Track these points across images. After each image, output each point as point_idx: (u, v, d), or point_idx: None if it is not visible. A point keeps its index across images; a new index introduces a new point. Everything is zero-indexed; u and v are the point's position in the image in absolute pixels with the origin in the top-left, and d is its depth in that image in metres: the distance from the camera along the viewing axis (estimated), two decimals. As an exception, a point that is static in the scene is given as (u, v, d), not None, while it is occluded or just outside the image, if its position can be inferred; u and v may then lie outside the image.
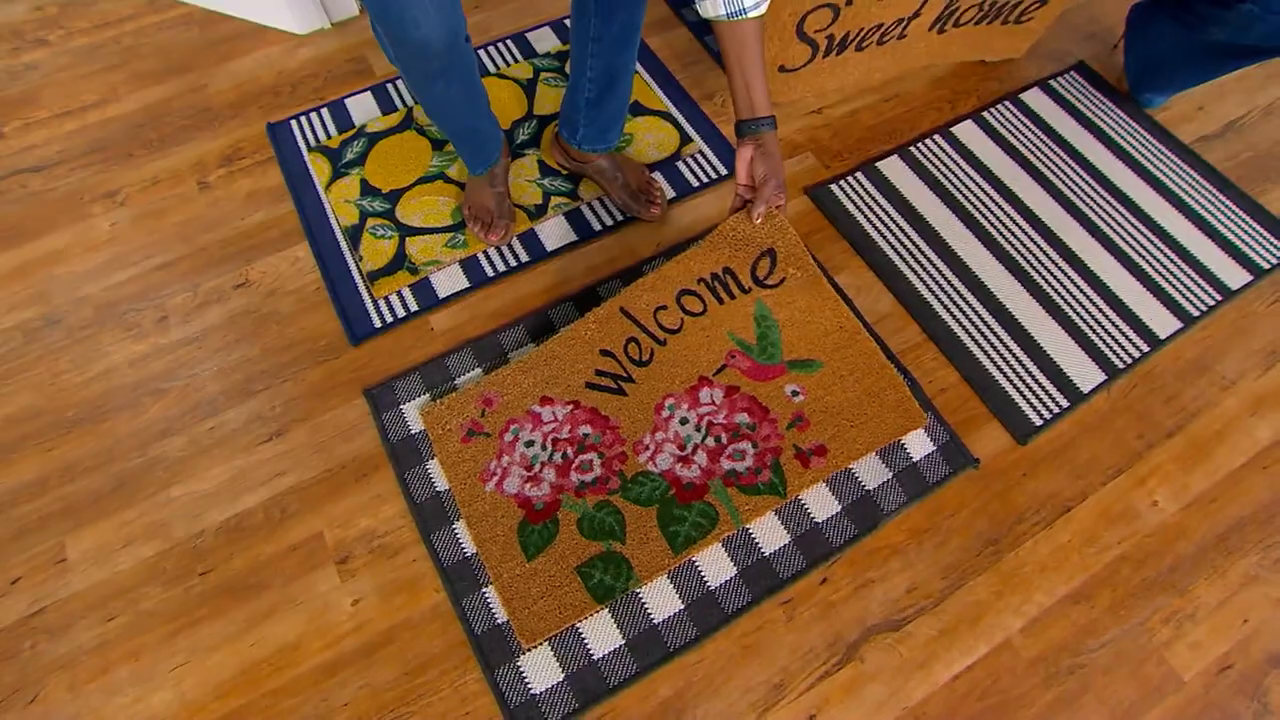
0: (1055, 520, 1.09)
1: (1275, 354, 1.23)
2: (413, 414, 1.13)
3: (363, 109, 1.46)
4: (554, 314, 1.23)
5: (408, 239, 1.29)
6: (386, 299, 1.24)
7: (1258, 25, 1.19)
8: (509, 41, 1.55)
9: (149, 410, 1.16)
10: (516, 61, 1.52)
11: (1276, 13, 1.15)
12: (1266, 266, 1.30)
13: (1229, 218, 1.36)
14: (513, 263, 1.28)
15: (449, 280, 1.26)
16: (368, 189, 1.34)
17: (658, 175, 1.37)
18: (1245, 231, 1.35)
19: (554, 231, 1.32)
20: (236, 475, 1.10)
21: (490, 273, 1.27)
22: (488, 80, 1.48)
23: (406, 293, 1.24)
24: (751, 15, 0.92)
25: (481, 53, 1.53)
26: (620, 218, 1.33)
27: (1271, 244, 1.33)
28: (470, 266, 1.28)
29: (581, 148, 1.28)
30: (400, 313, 1.23)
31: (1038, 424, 1.15)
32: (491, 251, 1.29)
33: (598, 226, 1.32)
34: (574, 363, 1.16)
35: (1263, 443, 1.16)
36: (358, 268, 1.27)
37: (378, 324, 1.21)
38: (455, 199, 1.33)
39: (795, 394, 1.13)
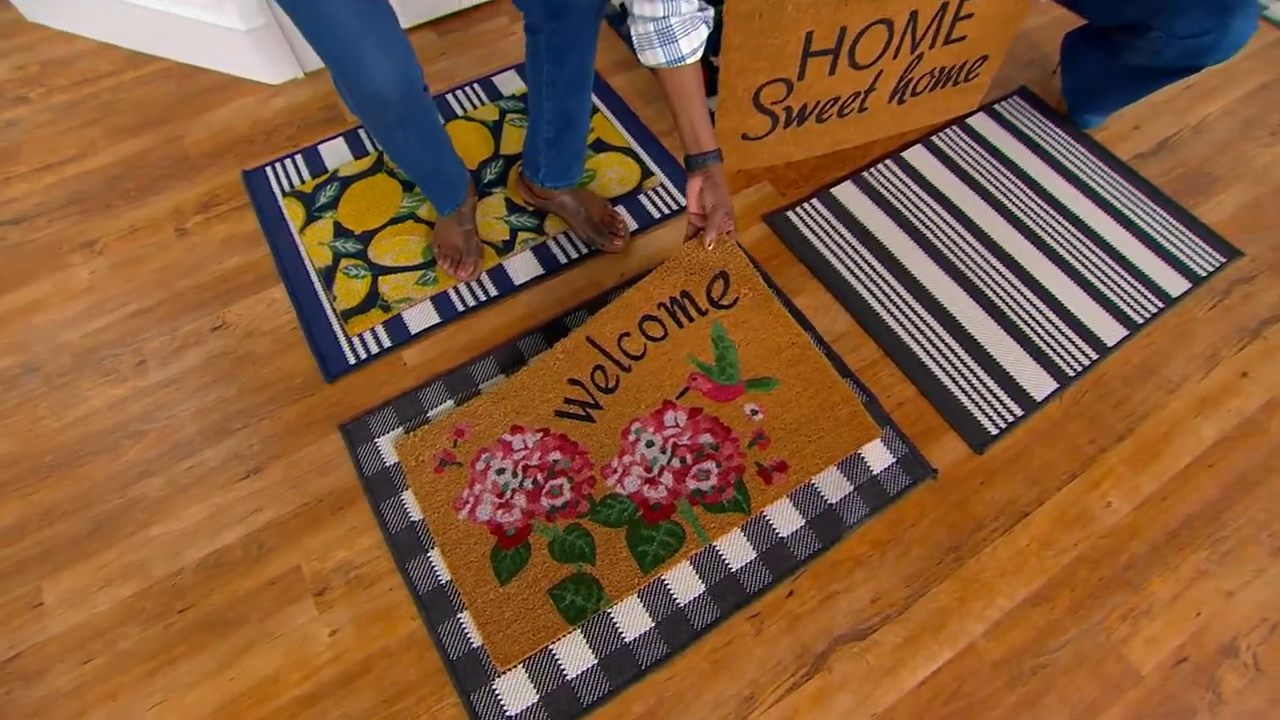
0: (1013, 526, 1.14)
1: (1215, 357, 1.30)
2: (387, 447, 1.18)
3: (335, 154, 1.53)
4: (523, 345, 1.28)
5: (380, 278, 1.34)
6: (360, 337, 1.29)
7: (1167, 50, 1.29)
8: (475, 85, 1.63)
9: (127, 452, 1.20)
10: (483, 104, 1.60)
11: (1180, 38, 1.25)
12: (1203, 274, 1.38)
13: (1166, 229, 1.44)
14: (482, 297, 1.34)
15: (420, 316, 1.31)
16: (341, 231, 1.40)
17: (620, 208, 1.44)
18: (1182, 242, 1.43)
19: (521, 266, 1.38)
20: (215, 513, 1.14)
21: (460, 308, 1.32)
22: (455, 123, 1.56)
23: (379, 330, 1.30)
24: (689, 62, 1.01)
25: (449, 97, 1.61)
26: (585, 250, 1.39)
27: (1207, 253, 1.41)
28: (441, 302, 1.33)
29: (545, 185, 1.35)
30: (374, 349, 1.28)
31: (994, 433, 1.20)
32: (461, 287, 1.35)
33: (563, 260, 1.38)
34: (543, 392, 1.21)
35: (1208, 442, 1.22)
36: (332, 307, 1.32)
37: (352, 361, 1.26)
38: (425, 238, 1.39)
39: (754, 413, 1.19)
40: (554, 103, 1.19)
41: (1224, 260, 1.40)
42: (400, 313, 1.31)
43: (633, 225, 1.42)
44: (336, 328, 1.29)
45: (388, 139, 1.09)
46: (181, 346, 1.30)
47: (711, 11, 1.04)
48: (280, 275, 1.36)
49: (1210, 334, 1.33)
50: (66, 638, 1.05)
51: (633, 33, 1.02)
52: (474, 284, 1.35)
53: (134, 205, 1.49)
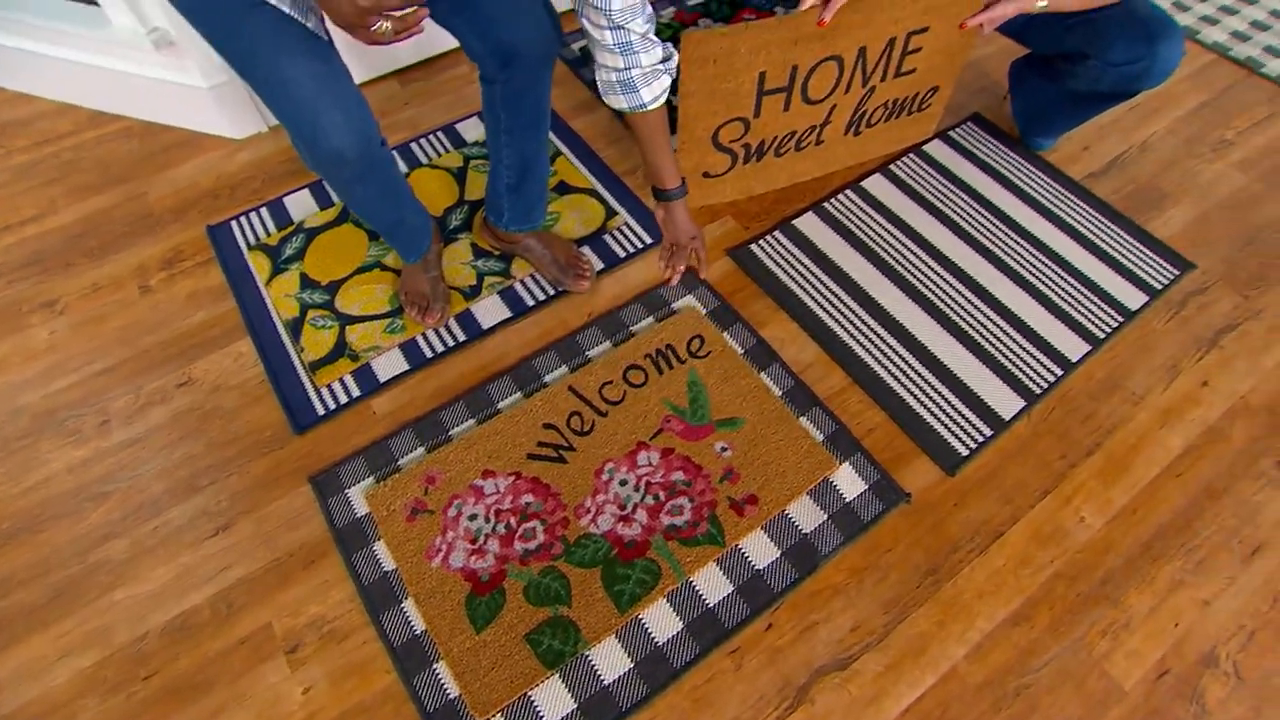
0: (989, 546, 1.16)
1: (1176, 368, 1.34)
2: (358, 497, 1.18)
3: (300, 206, 1.55)
4: (493, 389, 1.29)
5: (347, 327, 1.36)
6: (329, 387, 1.29)
7: (1105, 76, 1.36)
8: (439, 133, 1.67)
9: (90, 516, 1.18)
10: (447, 151, 1.63)
11: (1115, 65, 1.33)
12: (1159, 287, 1.43)
13: (1121, 245, 1.50)
14: (450, 343, 1.35)
15: (389, 364, 1.32)
16: (307, 282, 1.42)
17: (585, 249, 1.47)
18: (1136, 256, 1.48)
19: (489, 310, 1.40)
20: (182, 573, 1.12)
21: (429, 354, 1.34)
22: (420, 171, 1.59)
23: (348, 379, 1.30)
24: (652, 108, 1.10)
25: (414, 145, 1.65)
26: (552, 292, 1.42)
27: (1161, 266, 1.47)
28: (409, 350, 1.34)
29: (508, 229, 1.38)
30: (342, 399, 1.28)
31: (964, 454, 1.23)
32: (430, 333, 1.36)
33: (530, 302, 1.41)
34: (516, 436, 1.22)
35: (1174, 452, 1.25)
36: (299, 359, 1.33)
37: (321, 412, 1.27)
38: (392, 286, 1.41)
39: (724, 450, 1.21)
40: (513, 149, 1.23)
41: (1178, 273, 1.45)
42: (369, 361, 1.32)
43: (598, 265, 1.45)
44: (304, 379, 1.30)
45: (348, 194, 1.12)
46: (146, 404, 1.30)
47: (675, 60, 1.10)
48: (247, 329, 1.37)
49: (1170, 346, 1.37)
50: (16, 717, 1.03)
51: (597, 77, 1.08)
52: (442, 330, 1.37)
53: (96, 263, 1.50)
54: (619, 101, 1.09)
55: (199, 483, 1.21)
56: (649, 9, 1.01)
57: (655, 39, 1.05)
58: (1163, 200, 1.59)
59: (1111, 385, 1.33)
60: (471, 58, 1.11)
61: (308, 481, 1.20)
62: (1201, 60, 1.88)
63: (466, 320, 1.38)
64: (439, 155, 1.63)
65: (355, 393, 1.29)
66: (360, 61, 1.74)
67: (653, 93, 1.08)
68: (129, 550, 1.15)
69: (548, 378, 1.30)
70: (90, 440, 1.26)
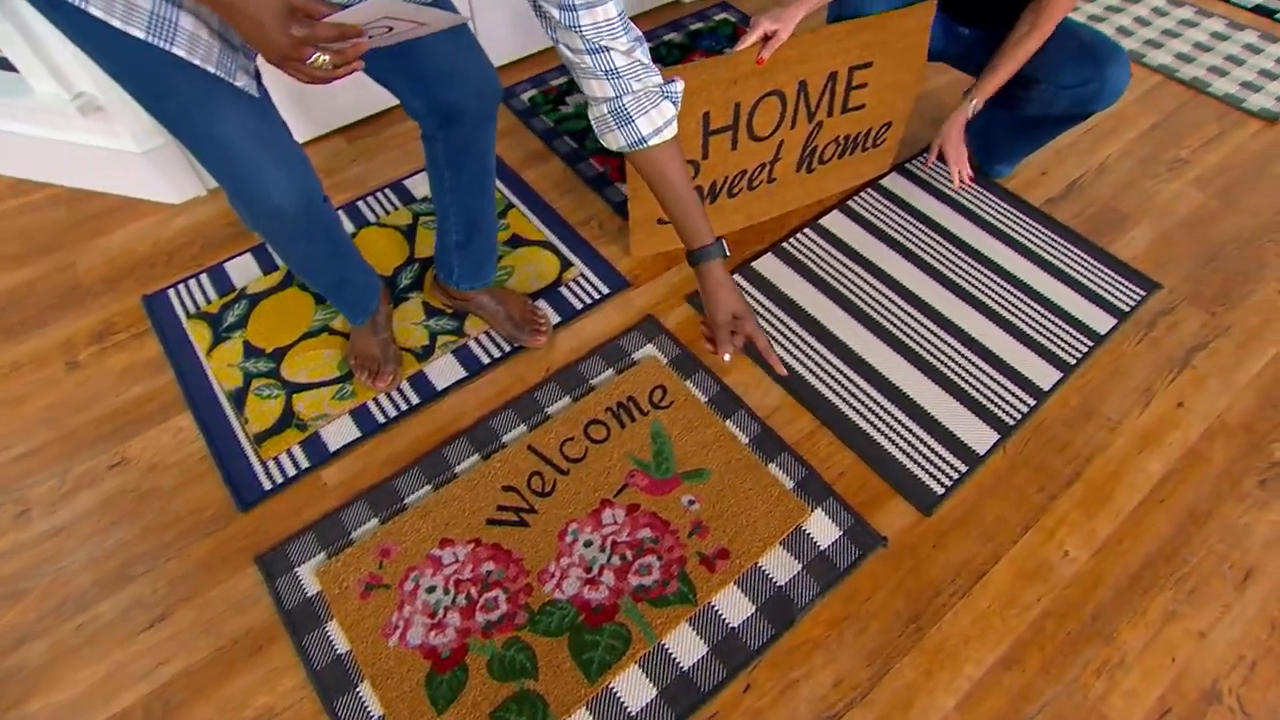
0: (972, 587, 1.17)
1: (1150, 391, 1.39)
2: (308, 576, 1.17)
3: (243, 271, 1.58)
4: (449, 452, 1.30)
5: (294, 396, 1.37)
6: (275, 460, 1.30)
7: (1058, 100, 1.45)
8: (388, 191, 1.72)
9: (3, 617, 1.16)
10: (396, 209, 1.68)
11: (1067, 89, 1.42)
12: (1127, 308, 1.50)
13: (1086, 268, 1.57)
14: (403, 406, 1.37)
15: (339, 432, 1.33)
16: (251, 350, 1.43)
17: (541, 303, 1.51)
18: (1102, 279, 1.55)
19: (443, 370, 1.42)
20: (112, 673, 1.10)
21: (381, 420, 1.35)
22: (368, 230, 1.63)
23: (296, 451, 1.31)
24: (653, 144, 0.97)
25: (361, 204, 1.69)
26: (508, 349, 1.44)
27: (1127, 288, 1.53)
28: (360, 416, 1.36)
29: (459, 287, 1.41)
30: (290, 472, 1.29)
31: (939, 493, 1.25)
32: (381, 398, 1.38)
33: (486, 360, 1.43)
34: (474, 502, 1.23)
35: (1155, 477, 1.29)
36: (243, 432, 1.33)
37: (267, 486, 1.27)
38: (341, 350, 1.43)
39: (691, 503, 1.23)
40: (459, 206, 1.26)
41: (1144, 293, 1.52)
42: (318, 430, 1.33)
43: (555, 319, 1.49)
44: (249, 453, 1.31)
45: (289, 253, 1.15)
46: (73, 489, 1.29)
47: (679, 85, 0.98)
48: (186, 402, 1.37)
49: (1142, 368, 1.43)
50: None
51: (590, 115, 1.00)
52: (394, 394, 1.38)
53: (17, 340, 1.50)
54: (616, 139, 0.98)
55: (132, 571, 1.20)
56: (635, 28, 0.92)
57: (649, 64, 0.95)
58: (1123, 221, 1.67)
59: (1086, 412, 1.37)
60: (411, 115, 1.15)
61: (254, 562, 1.19)
62: (1149, 82, 2.00)
63: (420, 382, 1.40)
64: (387, 213, 1.67)
65: (304, 464, 1.29)
66: (305, 119, 1.79)
67: (651, 124, 0.96)
68: (48, 653, 1.12)
69: (506, 438, 1.32)
70: (6, 533, 1.24)
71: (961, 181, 1.61)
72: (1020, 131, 1.62)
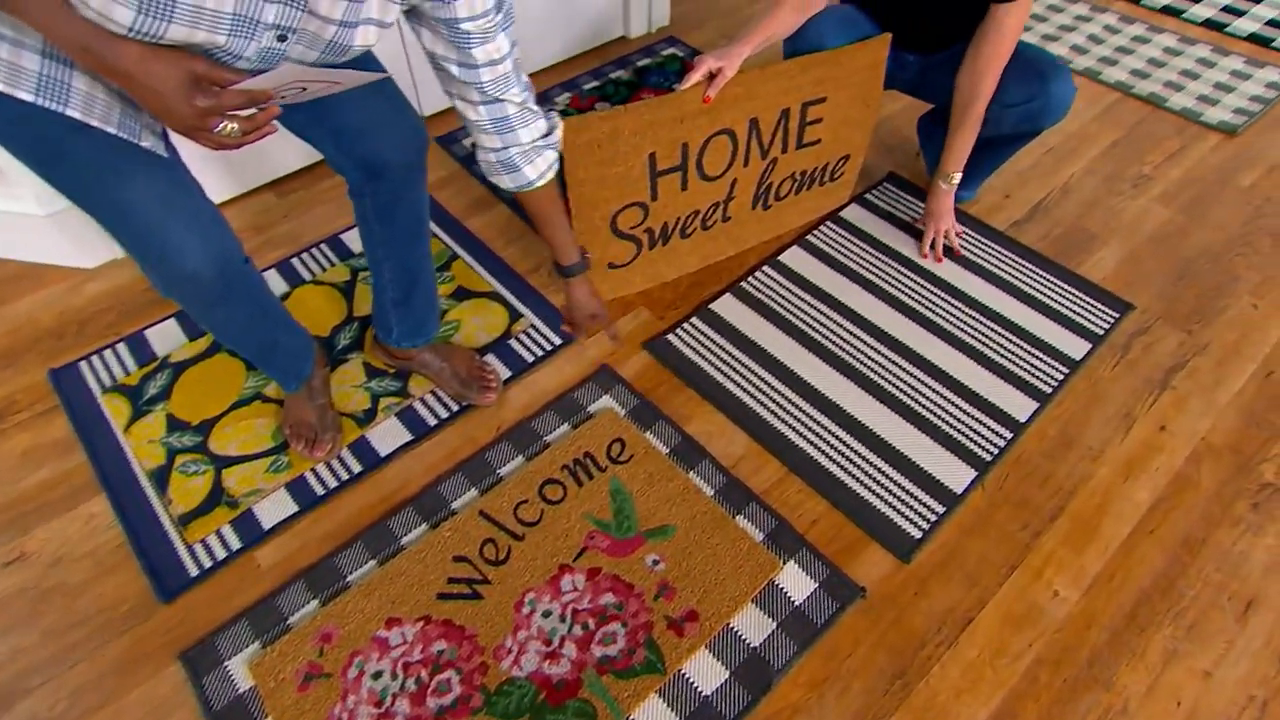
0: (958, 637, 1.16)
1: (1130, 415, 1.42)
2: (240, 669, 1.13)
3: (166, 338, 1.56)
4: (395, 523, 1.28)
5: (224, 471, 1.35)
6: (203, 542, 1.26)
7: (1005, 119, 1.51)
8: (323, 246, 1.72)
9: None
10: (332, 265, 1.68)
11: (1012, 106, 1.48)
12: (1101, 332, 1.53)
13: (1056, 292, 1.61)
14: (344, 476, 1.35)
15: (275, 508, 1.31)
16: (175, 424, 1.41)
17: (490, 357, 1.51)
18: (1074, 302, 1.59)
19: (387, 435, 1.41)
20: (12, 802, 1.05)
21: (321, 491, 1.33)
22: (303, 289, 1.63)
23: (226, 531, 1.28)
24: (539, 185, 1.13)
25: (295, 261, 1.69)
26: (456, 408, 1.44)
27: (1100, 310, 1.57)
28: (298, 489, 1.33)
29: (401, 345, 1.41)
30: (220, 555, 1.25)
31: (917, 537, 1.25)
32: (321, 468, 1.36)
33: (433, 421, 1.42)
34: (423, 575, 1.21)
35: (1143, 506, 1.30)
36: (166, 513, 1.30)
37: (193, 573, 1.23)
38: (275, 419, 1.42)
39: (656, 562, 1.22)
40: (393, 262, 1.27)
41: (1117, 315, 1.56)
42: (250, 507, 1.30)
43: (505, 373, 1.49)
44: (173, 536, 1.27)
45: (209, 319, 1.14)
46: (-35, 593, 1.24)
47: (558, 134, 1.13)
48: (100, 485, 1.34)
49: (1120, 392, 1.45)
50: None
51: (477, 158, 1.13)
52: (334, 463, 1.36)
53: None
54: (504, 182, 1.12)
55: (28, 683, 1.14)
56: (524, 77, 1.03)
57: (535, 109, 1.07)
58: (1091, 242, 1.72)
59: (1066, 442, 1.39)
60: (336, 171, 1.16)
61: (177, 659, 1.15)
62: (1107, 99, 2.09)
63: (362, 449, 1.38)
64: (324, 269, 1.67)
65: (235, 545, 1.26)
66: (229, 174, 1.80)
67: (538, 169, 1.11)
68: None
69: (456, 504, 1.31)
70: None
71: (939, 256, 1.68)
72: (974, 153, 1.67)
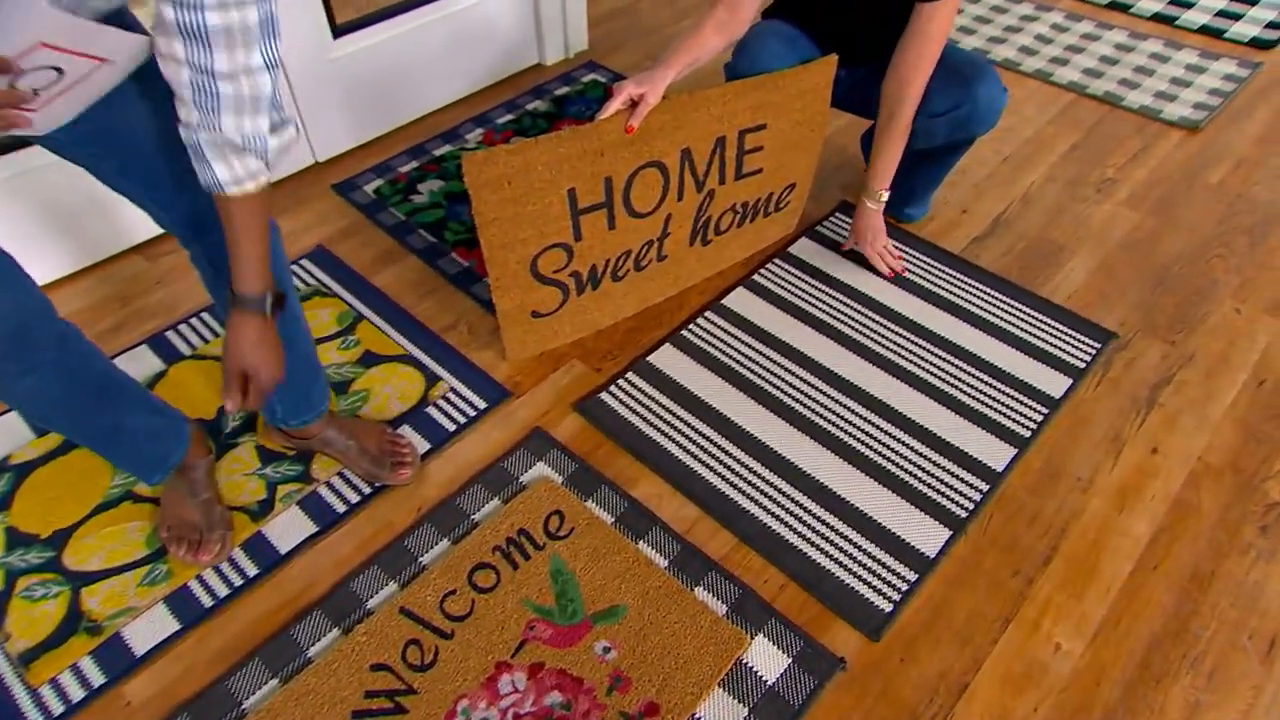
0: (954, 705, 1.13)
1: (1119, 439, 1.43)
2: (113, 831, 1.04)
3: (5, 435, 1.47)
4: (300, 631, 1.22)
5: (83, 590, 1.26)
6: (53, 682, 1.17)
7: (937, 129, 1.55)
8: (204, 315, 1.67)
9: None
10: (216, 336, 1.63)
11: (940, 115, 1.53)
12: (1082, 365, 1.54)
13: (1028, 323, 1.62)
14: (238, 581, 1.28)
15: (150, 629, 1.23)
16: (17, 539, 1.33)
17: (404, 428, 1.47)
18: (1049, 333, 1.60)
19: (287, 528, 1.34)
20: None
21: (208, 603, 1.26)
22: (183, 365, 1.57)
23: (85, 664, 1.19)
24: (232, 193, 0.96)
25: (170, 334, 1.63)
26: (368, 490, 1.39)
27: (1078, 340, 1.59)
28: (180, 602, 1.26)
29: (289, 425, 1.36)
30: (76, 695, 1.16)
31: (887, 610, 1.23)
32: (208, 575, 1.29)
33: (341, 508, 1.37)
34: (335, 692, 1.14)
35: (1143, 540, 1.30)
36: (3, 652, 1.21)
37: (41, 723, 1.14)
38: (150, 520, 1.35)
39: (607, 650, 1.17)
40: None
41: (1099, 345, 1.57)
42: (118, 631, 1.22)
43: (422, 446, 1.44)
44: (10, 681, 1.18)
45: (11, 395, 1.06)
46: None
47: (282, 143, 0.98)
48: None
49: (1105, 415, 1.47)
50: None
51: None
52: (224, 566, 1.30)
53: None
54: (198, 171, 0.96)
55: None
56: (278, 50, 0.89)
57: (266, 94, 0.91)
58: (1058, 254, 1.75)
59: (1052, 474, 1.39)
60: (162, 227, 1.12)
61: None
62: (1061, 101, 2.16)
63: (258, 547, 1.32)
64: (206, 341, 1.62)
65: (97, 681, 1.17)
66: (82, 237, 1.74)
67: (230, 173, 0.94)
68: None
69: (372, 602, 1.25)
70: None
71: (892, 269, 1.71)
72: (913, 169, 1.71)
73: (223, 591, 1.27)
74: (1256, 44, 2.39)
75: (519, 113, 2.17)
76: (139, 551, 1.31)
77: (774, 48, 1.52)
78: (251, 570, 1.30)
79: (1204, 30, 2.42)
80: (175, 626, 1.23)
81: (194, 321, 1.66)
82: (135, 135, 0.97)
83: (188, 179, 1.01)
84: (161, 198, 1.05)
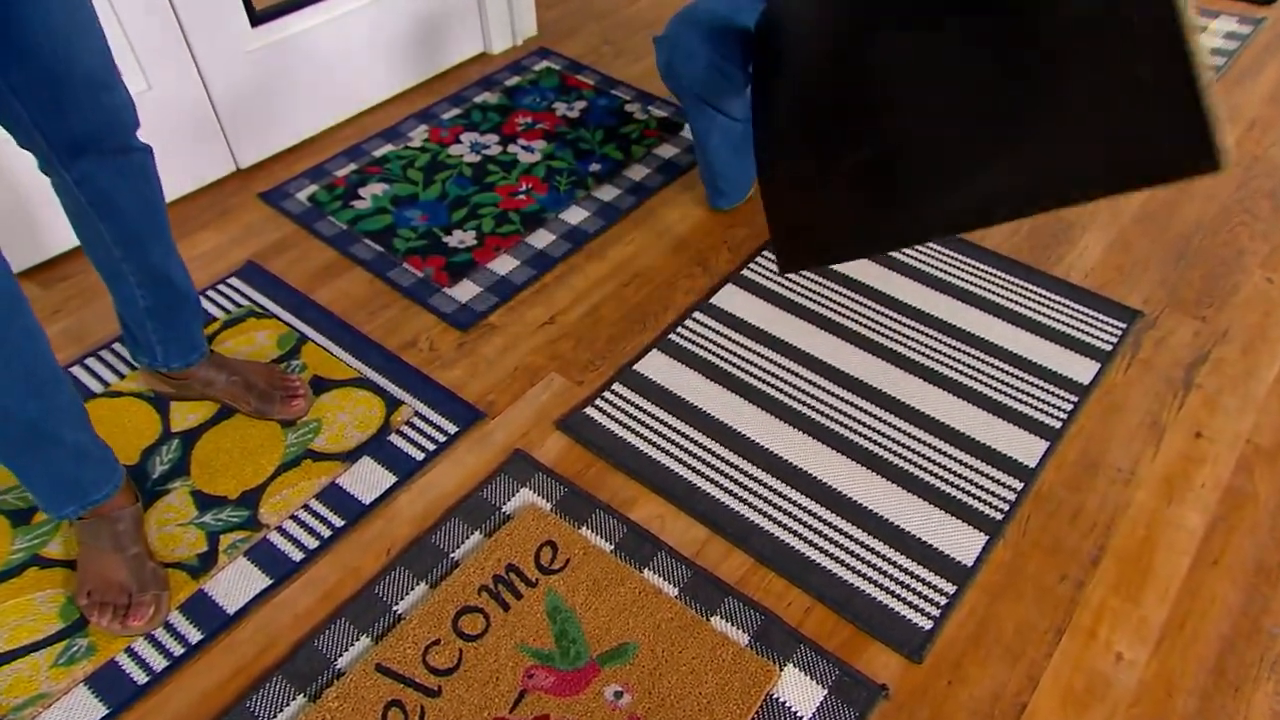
0: (1014, 730, 1.12)
1: (1158, 424, 1.43)
2: None
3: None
4: (257, 702, 1.16)
5: (-14, 678, 1.19)
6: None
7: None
8: (116, 346, 1.61)
9: None
10: (134, 369, 1.56)
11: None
12: (1108, 348, 1.55)
13: (1047, 306, 1.63)
14: (177, 650, 1.22)
15: (70, 717, 1.16)
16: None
17: (365, 461, 1.43)
18: (1069, 316, 1.61)
19: (235, 583, 1.29)
20: None
21: (142, 679, 1.19)
22: (97, 403, 1.51)
23: (-10, 770, 1.12)
24: None
25: (78, 369, 1.57)
26: (329, 533, 1.34)
27: (1101, 320, 1.60)
28: (106, 682, 1.19)
29: (171, 367, 1.43)
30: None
31: (927, 628, 1.21)
32: (140, 645, 1.22)
33: (297, 555, 1.32)
34: (303, 767, 1.08)
35: (1198, 532, 1.30)
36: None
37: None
38: (64, 587, 1.28)
39: (619, 695, 1.14)
40: (134, 263, 1.26)
41: (1124, 325, 1.58)
42: (33, 722, 1.15)
43: (388, 480, 1.40)
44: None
45: None
46: None
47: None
48: None
49: (1140, 399, 1.47)
50: None
51: None
52: (160, 633, 1.24)
53: None
54: None
55: None
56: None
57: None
58: (1069, 231, 1.77)
59: (1089, 466, 1.39)
60: (23, 144, 1.12)
61: None
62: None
63: (200, 607, 1.26)
64: (122, 376, 1.56)
65: (8, 786, 1.10)
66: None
67: None
68: None
69: (342, 661, 1.19)
70: None
71: None
72: None
73: (160, 664, 1.21)
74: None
75: (466, 106, 2.14)
76: (51, 625, 1.24)
77: (691, 46, 1.56)
78: (194, 636, 1.23)
79: (1197, -11, 2.50)
80: (102, 711, 1.17)
81: (105, 354, 1.60)
82: (37, 29, 0.99)
83: (93, 86, 1.07)
84: (50, 109, 1.07)
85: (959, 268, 1.70)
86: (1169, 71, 0.84)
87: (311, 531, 1.34)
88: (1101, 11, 0.89)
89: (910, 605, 1.23)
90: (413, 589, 1.27)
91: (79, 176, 1.16)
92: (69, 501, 1.22)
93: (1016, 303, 1.64)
